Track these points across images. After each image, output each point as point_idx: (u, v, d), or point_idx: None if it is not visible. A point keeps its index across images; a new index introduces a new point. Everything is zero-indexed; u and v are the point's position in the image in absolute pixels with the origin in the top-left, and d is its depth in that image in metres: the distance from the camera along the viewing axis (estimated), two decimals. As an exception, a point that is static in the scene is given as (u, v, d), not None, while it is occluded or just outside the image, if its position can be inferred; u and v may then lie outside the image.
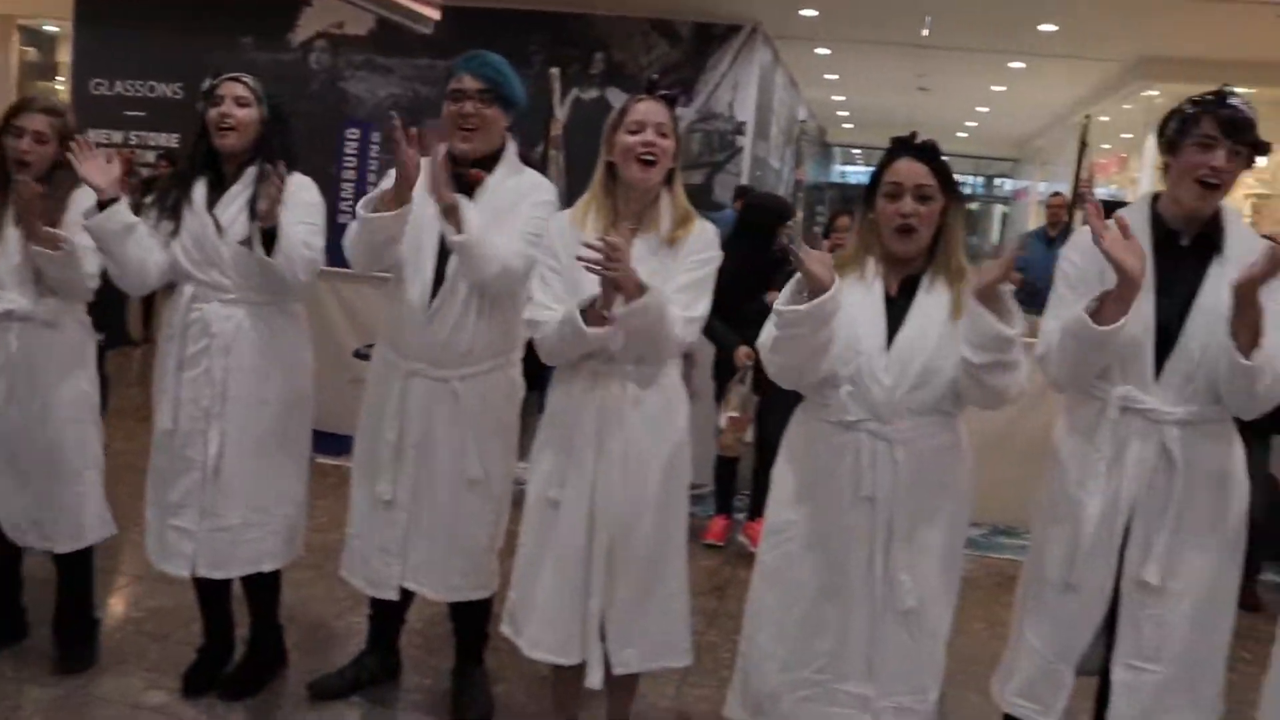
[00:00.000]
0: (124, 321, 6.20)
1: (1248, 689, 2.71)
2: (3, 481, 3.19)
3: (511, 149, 3.06)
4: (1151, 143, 2.47)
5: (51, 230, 2.98)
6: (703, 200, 10.84)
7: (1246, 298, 2.26)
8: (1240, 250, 2.44)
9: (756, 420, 4.79)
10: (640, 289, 2.51)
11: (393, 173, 2.83)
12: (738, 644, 2.77)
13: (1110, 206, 2.71)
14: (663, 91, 2.73)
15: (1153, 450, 2.46)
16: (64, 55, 13.43)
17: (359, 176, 8.03)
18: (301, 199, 3.03)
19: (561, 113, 6.83)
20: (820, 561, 2.52)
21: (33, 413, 3.15)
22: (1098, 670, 2.62)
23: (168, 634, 3.64)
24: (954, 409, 2.53)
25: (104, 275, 3.12)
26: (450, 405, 2.98)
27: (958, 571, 2.63)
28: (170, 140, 11.15)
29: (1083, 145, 8.99)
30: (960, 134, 22.16)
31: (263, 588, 3.28)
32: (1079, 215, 6.71)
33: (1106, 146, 15.09)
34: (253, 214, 2.95)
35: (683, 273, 2.70)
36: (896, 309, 2.50)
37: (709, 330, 3.92)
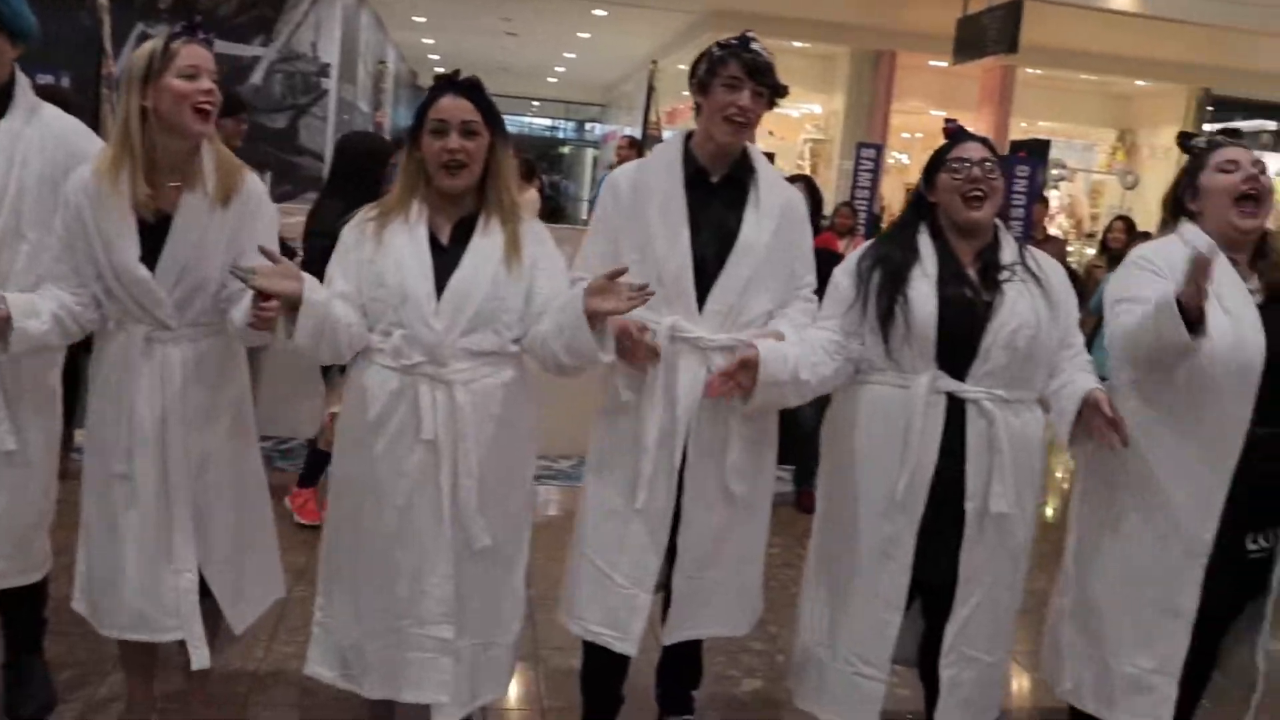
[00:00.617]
0: None
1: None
2: None
3: (23, 85, 2.67)
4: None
5: None
6: (288, 145, 10.35)
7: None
8: (768, 189, 2.65)
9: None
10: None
11: None
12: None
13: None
14: (203, 35, 2.50)
15: (702, 375, 2.60)
16: None
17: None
18: None
19: (125, 50, 6.20)
20: (387, 508, 2.46)
21: None
22: (663, 586, 2.75)
23: None
24: (516, 347, 2.54)
25: None
26: None
27: (530, 505, 2.67)
28: None
29: (650, 90, 9.42)
30: (550, 79, 22.63)
31: None
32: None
33: (685, 94, 15.91)
34: None
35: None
36: (450, 254, 2.45)
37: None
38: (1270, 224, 2.68)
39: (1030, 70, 13.18)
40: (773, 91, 2.60)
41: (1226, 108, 14.64)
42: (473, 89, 2.47)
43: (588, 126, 28.36)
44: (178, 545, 2.55)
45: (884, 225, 9.15)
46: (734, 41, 2.58)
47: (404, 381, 2.42)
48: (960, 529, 2.55)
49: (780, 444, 2.84)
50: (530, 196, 9.47)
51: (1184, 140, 2.78)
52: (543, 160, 9.75)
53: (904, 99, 13.35)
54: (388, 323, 2.43)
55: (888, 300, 2.55)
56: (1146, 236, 6.80)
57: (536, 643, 3.49)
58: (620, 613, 2.68)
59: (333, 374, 4.19)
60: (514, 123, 27.83)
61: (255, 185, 2.60)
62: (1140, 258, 2.68)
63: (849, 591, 2.65)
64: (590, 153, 28.29)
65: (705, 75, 2.59)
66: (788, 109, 14.78)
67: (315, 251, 3.82)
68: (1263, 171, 2.59)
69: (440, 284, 2.42)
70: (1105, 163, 15.35)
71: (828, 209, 8.07)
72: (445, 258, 2.45)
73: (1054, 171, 13.34)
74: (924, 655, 2.74)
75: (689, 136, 2.69)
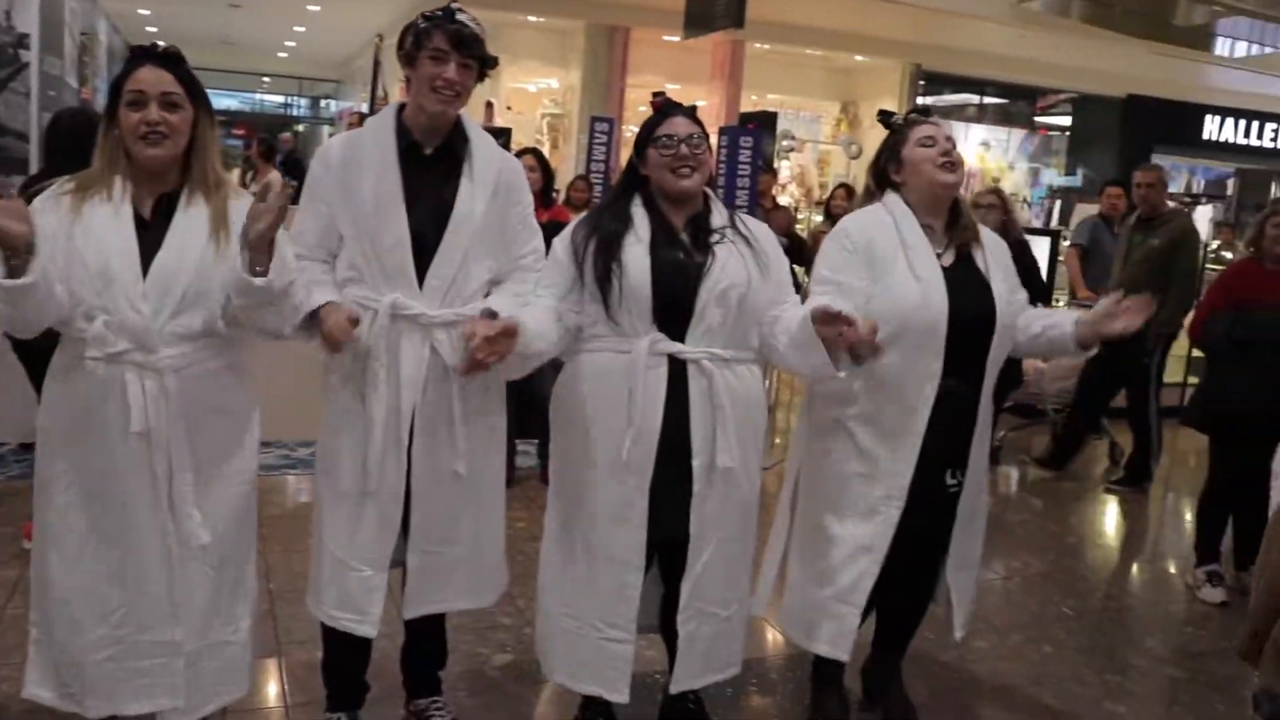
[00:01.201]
0: None
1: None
2: None
3: None
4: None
5: None
6: (-13, 124, 9.49)
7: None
8: (482, 158, 2.64)
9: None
10: None
11: None
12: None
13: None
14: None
15: (426, 352, 2.60)
16: None
17: None
18: None
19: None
20: (99, 508, 2.35)
21: None
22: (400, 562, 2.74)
23: None
24: (228, 329, 2.43)
25: None
26: None
27: (253, 494, 2.57)
28: None
29: (376, 64, 9.22)
30: (281, 54, 21.71)
31: None
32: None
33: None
34: None
35: None
36: (153, 231, 2.34)
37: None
38: (962, 192, 2.97)
39: (759, 45, 13.65)
40: (482, 63, 2.58)
41: (937, 82, 15.64)
42: (173, 60, 2.36)
43: (323, 103, 27.41)
44: None
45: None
46: (439, 13, 2.54)
47: (110, 371, 2.28)
48: (689, 487, 2.64)
49: (523, 417, 2.87)
50: (273, 178, 9.08)
51: (884, 118, 3.05)
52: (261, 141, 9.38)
53: (639, 73, 13.55)
54: (90, 306, 2.28)
55: (603, 266, 2.61)
56: (865, 203, 7.21)
57: (279, 637, 3.39)
58: (357, 596, 2.65)
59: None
60: (245, 100, 26.57)
61: None
62: (843, 233, 2.91)
63: (588, 556, 2.70)
64: (327, 130, 27.36)
65: (411, 47, 2.56)
66: (525, 84, 14.79)
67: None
68: (954, 145, 2.90)
69: (145, 264, 2.29)
70: (830, 133, 16.11)
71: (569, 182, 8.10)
72: (148, 236, 2.32)
73: (784, 142, 13.89)
74: (665, 617, 2.83)
75: (401, 109, 2.65)
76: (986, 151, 16.34)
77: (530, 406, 2.94)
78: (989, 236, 3.01)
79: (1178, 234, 5.97)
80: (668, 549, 2.73)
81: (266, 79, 26.03)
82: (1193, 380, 7.72)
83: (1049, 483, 6.27)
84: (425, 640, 2.91)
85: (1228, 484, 4.45)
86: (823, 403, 2.95)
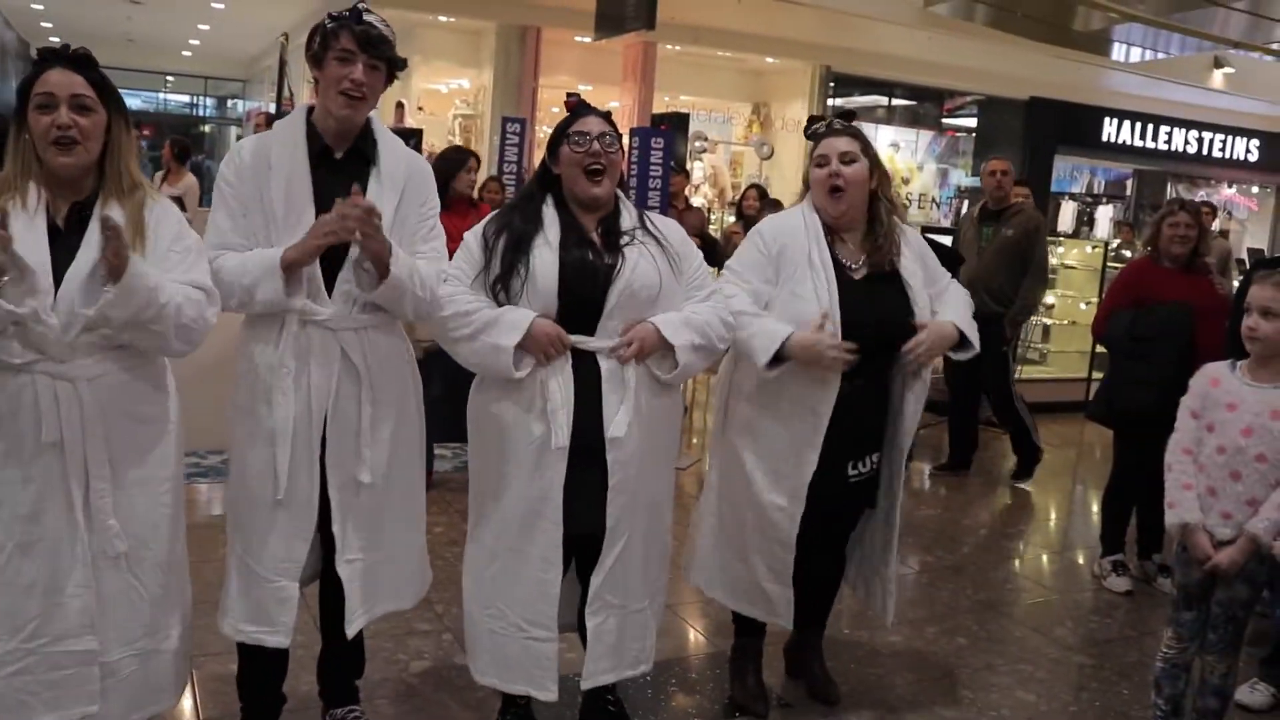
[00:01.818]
0: None
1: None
2: None
3: None
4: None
5: None
6: None
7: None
8: (389, 159, 2.62)
9: None
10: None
11: None
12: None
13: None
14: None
15: (336, 357, 2.57)
16: None
17: None
18: None
19: None
20: (11, 518, 2.27)
21: None
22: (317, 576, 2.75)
23: None
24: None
25: None
26: None
27: (179, 502, 2.52)
28: None
29: (282, 63, 9.07)
30: (186, 53, 21.23)
31: None
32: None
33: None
34: None
35: None
36: (68, 240, 2.26)
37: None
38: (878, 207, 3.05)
39: (670, 46, 13.71)
40: (390, 64, 2.56)
41: (846, 84, 15.85)
42: (83, 62, 2.30)
43: (230, 103, 26.87)
44: None
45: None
46: (346, 13, 2.52)
47: (21, 380, 2.22)
48: (604, 480, 2.65)
49: (449, 421, 2.86)
50: (189, 182, 8.83)
51: (808, 127, 3.15)
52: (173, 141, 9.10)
53: (551, 74, 13.51)
54: None
55: (509, 265, 2.64)
56: (777, 204, 7.28)
57: (190, 650, 3.31)
58: (269, 606, 2.61)
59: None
60: (147, 99, 25.93)
61: None
62: (758, 234, 3.06)
63: (507, 556, 2.70)
64: (234, 130, 26.83)
65: (319, 49, 2.52)
66: (437, 84, 14.65)
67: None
68: (848, 162, 2.96)
69: (58, 274, 2.22)
70: (742, 135, 16.23)
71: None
72: (62, 245, 2.25)
73: (696, 143, 13.96)
74: (581, 616, 2.83)
75: (310, 111, 2.61)
76: (895, 153, 16.60)
77: (458, 409, 2.92)
78: (909, 235, 3.11)
79: (1031, 225, 6.12)
80: (584, 546, 2.74)
81: (170, 78, 25.43)
82: (1097, 376, 7.96)
83: (958, 478, 6.38)
84: (342, 649, 2.86)
85: (1131, 476, 4.58)
86: (735, 405, 3.10)
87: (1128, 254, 9.55)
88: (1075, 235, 14.59)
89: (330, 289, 2.54)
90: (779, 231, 3.01)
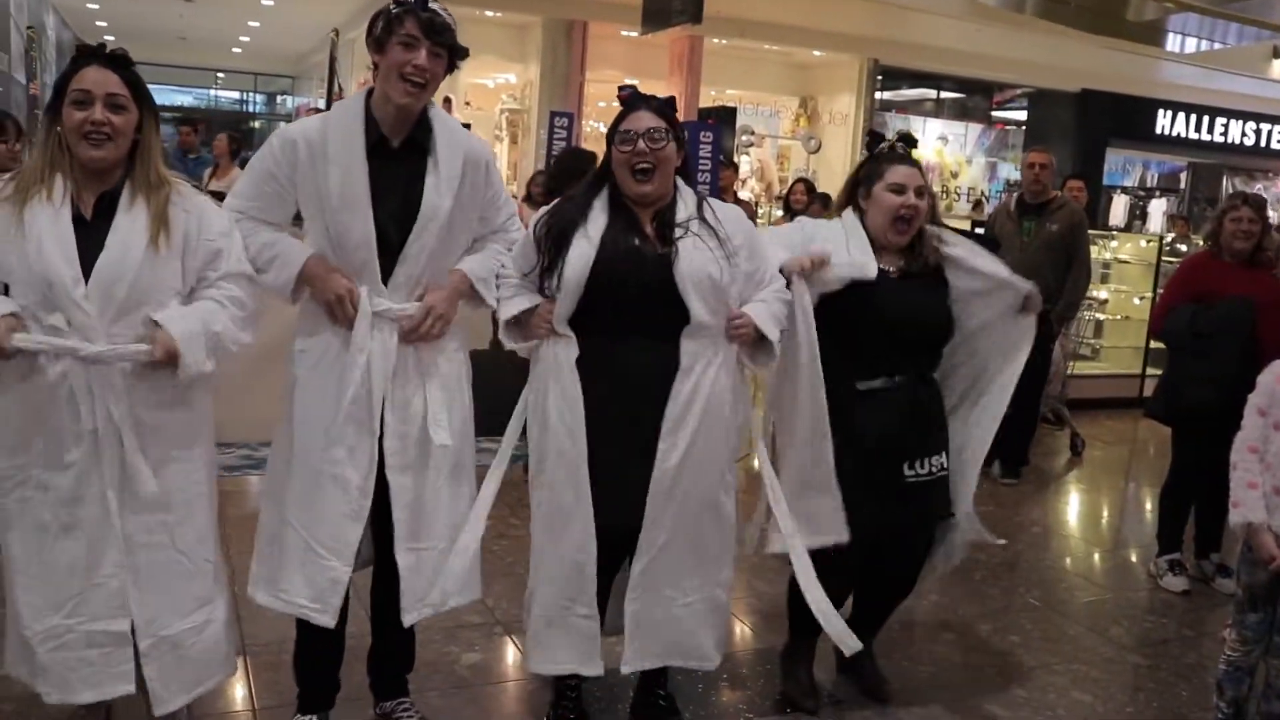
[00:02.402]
0: None
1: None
2: None
3: None
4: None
5: None
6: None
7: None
8: (447, 150, 2.60)
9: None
10: None
11: None
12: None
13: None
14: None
15: (393, 344, 2.58)
16: None
17: None
18: None
19: None
20: (55, 501, 2.35)
21: None
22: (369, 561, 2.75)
23: None
24: None
25: None
26: None
27: (212, 483, 2.57)
28: None
29: (333, 59, 9.14)
30: (236, 49, 21.46)
31: None
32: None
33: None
34: None
35: None
36: (94, 231, 2.33)
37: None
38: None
39: (717, 40, 13.66)
40: (452, 52, 2.55)
41: (894, 77, 15.74)
42: (119, 62, 2.37)
43: (279, 99, 27.14)
44: None
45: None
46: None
47: (58, 369, 2.29)
48: (649, 475, 2.67)
49: (495, 414, 2.87)
50: (235, 177, 8.89)
51: (870, 141, 3.16)
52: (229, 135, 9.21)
53: (597, 68, 13.52)
54: (34, 308, 2.29)
55: (550, 258, 2.68)
56: (826, 197, 7.23)
57: (244, 639, 3.34)
58: (320, 584, 2.62)
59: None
60: (198, 96, 26.26)
61: None
62: (799, 225, 3.12)
63: (553, 543, 2.75)
64: (282, 126, 27.08)
65: (382, 33, 2.51)
66: (484, 79, 14.71)
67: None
68: (920, 195, 2.99)
69: (86, 265, 2.30)
70: (789, 128, 16.17)
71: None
72: (89, 236, 2.32)
73: (743, 137, 13.91)
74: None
75: (369, 96, 2.59)
76: (944, 146, 16.46)
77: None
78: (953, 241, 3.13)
79: (1076, 220, 6.02)
80: (631, 541, 2.75)
81: (221, 75, 25.73)
82: (1152, 372, 7.83)
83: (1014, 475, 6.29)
84: (392, 643, 2.87)
85: (1189, 474, 4.49)
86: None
87: (1183, 248, 9.37)
88: (1127, 229, 14.37)
89: (387, 280, 2.56)
90: (820, 227, 3.07)
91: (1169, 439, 4.69)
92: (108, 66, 2.34)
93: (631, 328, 2.64)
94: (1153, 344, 7.70)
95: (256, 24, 17.77)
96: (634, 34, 11.88)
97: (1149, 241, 9.00)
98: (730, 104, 14.14)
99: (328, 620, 2.64)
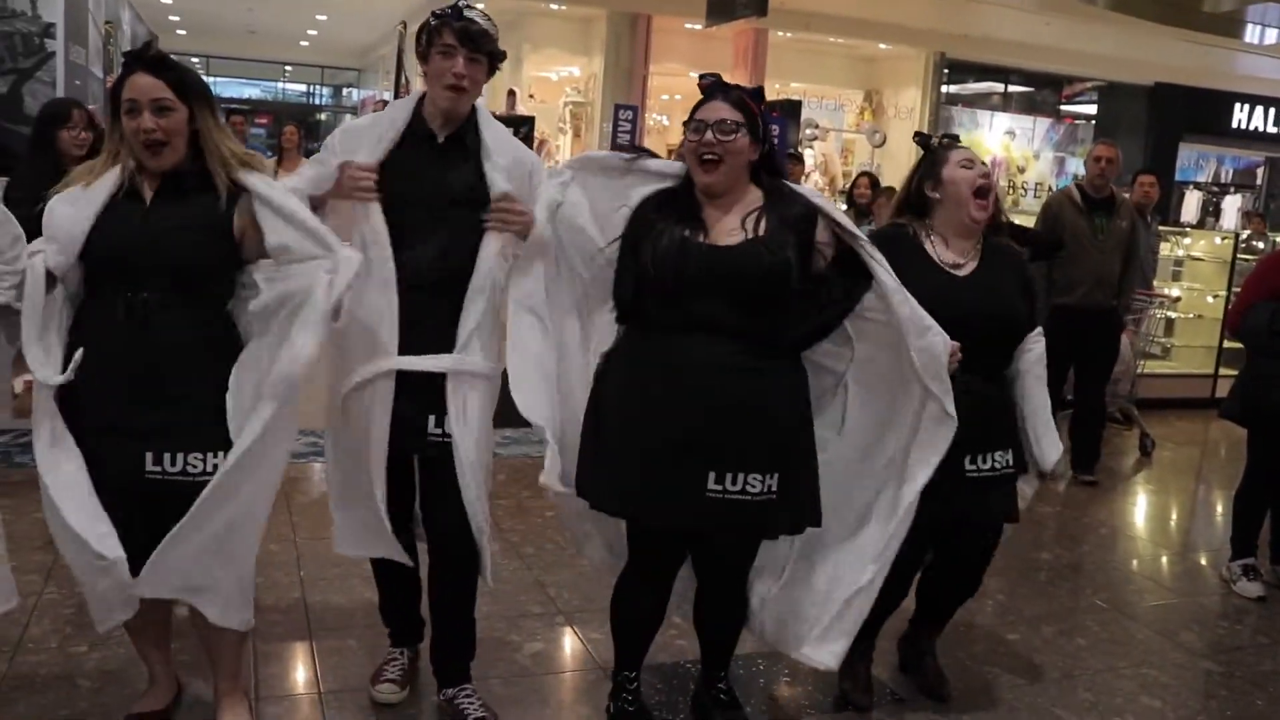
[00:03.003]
0: None
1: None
2: None
3: None
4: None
5: None
6: (13, 113, 9.55)
7: None
8: (497, 143, 2.72)
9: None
10: None
11: None
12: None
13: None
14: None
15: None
16: None
17: None
18: None
19: None
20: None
21: None
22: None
23: None
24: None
25: None
26: None
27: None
28: None
29: (400, 51, 9.24)
30: (303, 43, 21.74)
31: None
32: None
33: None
34: None
35: None
36: (162, 209, 2.48)
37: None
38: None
39: (781, 33, 13.58)
40: (490, 57, 2.69)
41: (960, 70, 15.53)
42: (162, 64, 2.46)
43: (345, 91, 27.47)
44: None
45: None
46: (448, 11, 2.67)
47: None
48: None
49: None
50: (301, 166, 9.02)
51: (923, 139, 3.11)
52: (299, 127, 9.35)
53: (661, 61, 13.51)
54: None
55: (630, 249, 2.67)
56: (890, 191, 7.15)
57: (310, 623, 3.39)
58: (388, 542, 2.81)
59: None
60: (266, 88, 26.67)
61: None
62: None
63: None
64: (349, 119, 27.41)
65: (425, 45, 2.69)
66: (548, 72, 14.76)
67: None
68: (986, 175, 3.01)
69: (151, 243, 2.44)
70: (854, 122, 16.02)
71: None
72: (155, 215, 2.47)
73: (808, 131, 13.81)
74: (698, 608, 2.90)
75: (422, 98, 2.76)
76: (1011, 140, 16.22)
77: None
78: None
79: (1134, 215, 5.92)
80: (695, 541, 2.74)
81: (289, 68, 26.09)
82: (1225, 372, 7.66)
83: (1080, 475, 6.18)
84: (451, 632, 2.90)
85: (1265, 477, 4.39)
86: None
87: (1260, 245, 9.14)
88: (1200, 226, 14.05)
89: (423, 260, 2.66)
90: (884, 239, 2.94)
91: (1242, 441, 4.57)
92: (151, 71, 2.43)
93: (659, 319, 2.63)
94: (1227, 343, 7.54)
95: (324, 17, 18.00)
96: (698, 27, 11.85)
97: (1224, 238, 8.79)
98: (795, 97, 14.03)
99: (405, 559, 2.85)
